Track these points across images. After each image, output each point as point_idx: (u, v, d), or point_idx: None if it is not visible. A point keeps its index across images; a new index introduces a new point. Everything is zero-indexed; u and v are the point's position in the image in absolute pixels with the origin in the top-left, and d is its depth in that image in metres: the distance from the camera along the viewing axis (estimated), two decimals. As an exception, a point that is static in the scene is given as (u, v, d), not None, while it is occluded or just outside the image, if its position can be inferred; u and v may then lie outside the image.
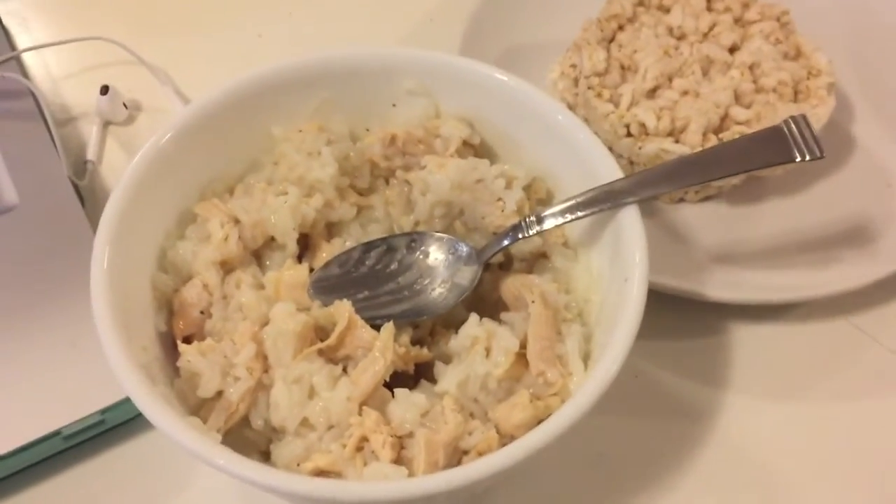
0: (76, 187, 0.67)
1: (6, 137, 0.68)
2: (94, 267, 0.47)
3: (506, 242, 0.52)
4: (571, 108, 0.69)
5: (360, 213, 0.57)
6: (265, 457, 0.48)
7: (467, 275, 0.52)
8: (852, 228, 0.65)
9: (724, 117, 0.64)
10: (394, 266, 0.53)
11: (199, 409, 0.49)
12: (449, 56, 0.57)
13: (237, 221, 0.53)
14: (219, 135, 0.55)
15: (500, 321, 0.52)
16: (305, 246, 0.56)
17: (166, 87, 0.75)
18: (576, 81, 0.69)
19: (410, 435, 0.46)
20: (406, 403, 0.47)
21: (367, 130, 0.58)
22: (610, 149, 0.64)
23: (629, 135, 0.64)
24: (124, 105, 0.74)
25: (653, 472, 0.57)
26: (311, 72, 0.57)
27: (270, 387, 0.48)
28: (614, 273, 0.50)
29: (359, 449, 0.46)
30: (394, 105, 0.58)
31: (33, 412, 0.54)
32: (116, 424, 0.56)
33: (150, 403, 0.43)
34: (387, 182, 0.58)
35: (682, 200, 0.67)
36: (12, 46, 0.77)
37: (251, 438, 0.49)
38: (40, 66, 0.78)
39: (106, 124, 0.74)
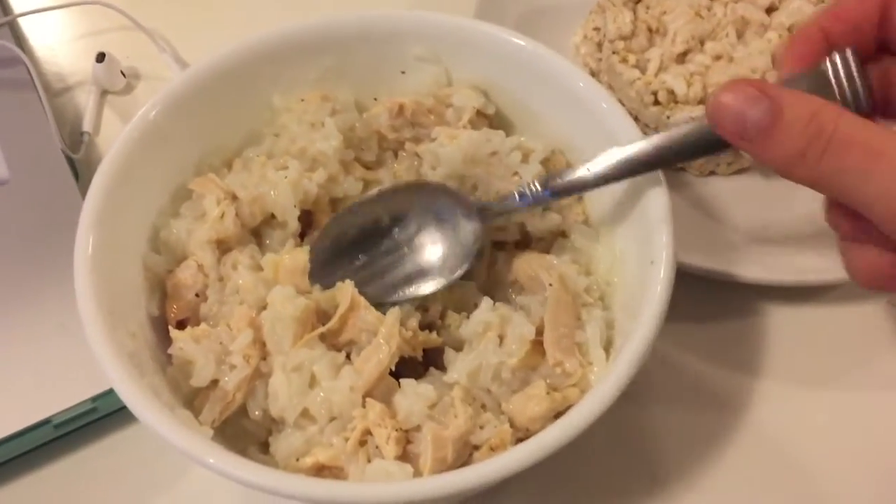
0: (70, 161, 0.63)
1: (-3, 108, 0.65)
2: (78, 252, 0.45)
3: (511, 204, 0.48)
4: (595, 74, 0.65)
5: (366, 187, 0.53)
6: (264, 448, 0.45)
7: (469, 232, 0.48)
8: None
9: (761, 83, 0.59)
10: (386, 220, 0.50)
11: (193, 398, 0.46)
12: (460, 19, 0.53)
13: (235, 198, 0.50)
14: (214, 106, 0.52)
15: (515, 305, 0.48)
16: (308, 223, 0.52)
17: (165, 54, 0.72)
18: (599, 46, 0.65)
19: (418, 429, 0.43)
20: (413, 395, 0.44)
21: (375, 100, 0.55)
22: (636, 118, 0.61)
23: (657, 103, 0.59)
24: (122, 73, 0.71)
25: (681, 463, 0.53)
26: (314, 37, 0.53)
27: (269, 375, 0.45)
28: (640, 253, 0.46)
29: (362, 443, 0.43)
30: (402, 72, 0.54)
31: (22, 399, 0.52)
32: (109, 412, 0.53)
33: (136, 395, 0.40)
34: (395, 155, 0.54)
35: (712, 173, 0.63)
36: (6, 11, 0.73)
37: (249, 429, 0.46)
38: (35, 32, 0.75)
39: (103, 93, 0.71)
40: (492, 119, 0.53)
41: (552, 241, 0.51)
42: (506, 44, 0.51)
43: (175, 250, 0.50)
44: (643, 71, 0.60)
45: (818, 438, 0.54)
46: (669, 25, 0.61)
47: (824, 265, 0.56)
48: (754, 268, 0.56)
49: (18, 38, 0.72)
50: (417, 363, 0.47)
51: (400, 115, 0.53)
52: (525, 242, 0.52)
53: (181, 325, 0.48)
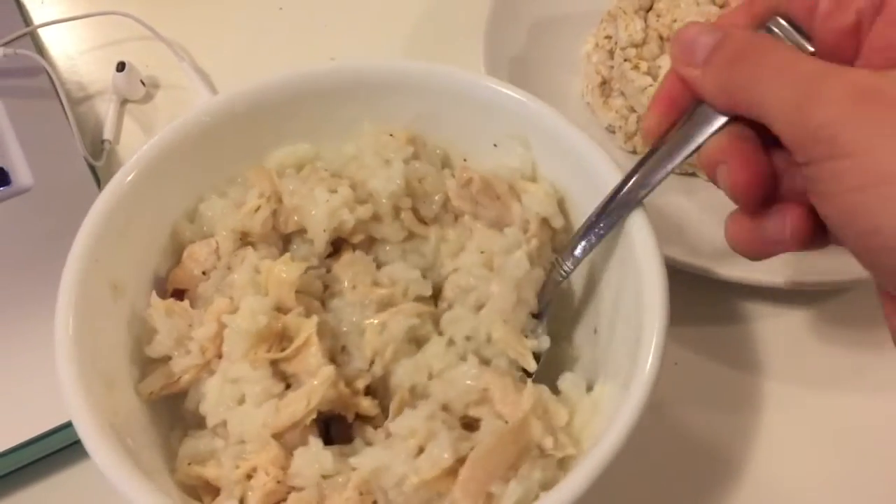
0: (92, 168, 0.65)
1: (21, 117, 0.66)
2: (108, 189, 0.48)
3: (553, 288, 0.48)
4: (606, 81, 0.66)
5: (409, 238, 0.52)
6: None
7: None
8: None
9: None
10: None
11: (149, 364, 0.47)
12: (558, 116, 0.50)
13: (280, 200, 0.50)
14: (307, 113, 0.53)
15: None
16: (339, 250, 0.52)
17: (184, 63, 0.73)
18: (611, 54, 0.65)
19: (300, 490, 0.43)
20: (312, 458, 0.43)
21: (465, 161, 0.53)
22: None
23: (668, 111, 0.60)
24: (142, 82, 0.72)
25: (691, 466, 0.54)
26: (412, 79, 0.52)
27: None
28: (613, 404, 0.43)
29: (248, 477, 0.43)
30: (495, 145, 0.52)
31: (42, 404, 0.52)
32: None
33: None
34: (455, 219, 0.53)
35: (724, 179, 0.64)
36: (27, 22, 0.74)
37: (184, 415, 0.47)
38: (56, 42, 0.76)
39: (123, 102, 0.72)
40: (556, 232, 0.51)
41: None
42: (587, 156, 0.48)
43: (205, 225, 0.51)
44: (655, 78, 0.61)
45: (825, 438, 0.55)
46: (680, 33, 0.62)
47: (837, 266, 0.57)
48: (766, 271, 0.57)
49: (39, 49, 0.74)
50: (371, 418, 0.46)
51: (466, 186, 0.51)
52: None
53: (177, 294, 0.50)
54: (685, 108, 0.41)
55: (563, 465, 0.43)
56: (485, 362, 0.47)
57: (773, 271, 0.57)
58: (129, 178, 0.48)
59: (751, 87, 0.37)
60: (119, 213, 0.47)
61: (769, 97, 0.36)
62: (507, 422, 0.43)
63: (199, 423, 0.46)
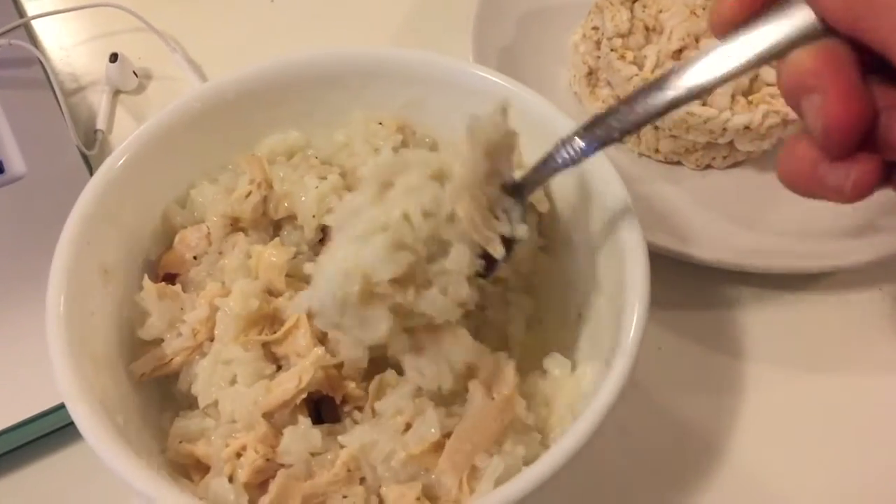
0: (85, 157, 0.65)
1: (14, 106, 0.67)
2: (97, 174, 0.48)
3: (551, 167, 0.42)
4: (593, 71, 0.67)
5: None
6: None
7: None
8: (886, 194, 0.62)
9: (755, 79, 0.61)
10: None
11: (140, 346, 0.48)
12: (544, 104, 0.50)
13: (270, 186, 0.51)
14: (298, 100, 0.53)
15: None
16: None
17: (176, 55, 0.74)
18: (598, 44, 0.66)
19: (290, 466, 0.43)
20: (299, 435, 0.44)
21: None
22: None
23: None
24: (134, 73, 0.73)
25: (675, 449, 0.55)
26: (405, 65, 0.53)
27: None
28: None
29: (238, 455, 0.43)
30: None
31: (37, 386, 0.53)
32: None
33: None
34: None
35: (709, 167, 0.65)
36: (21, 14, 0.75)
37: (175, 396, 0.48)
38: (49, 33, 0.77)
39: (116, 93, 0.73)
40: (543, 217, 0.51)
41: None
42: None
43: (196, 211, 0.52)
44: (640, 67, 0.62)
45: (809, 419, 0.56)
46: (666, 23, 0.63)
47: (822, 252, 0.58)
48: (750, 256, 0.57)
49: (33, 40, 0.74)
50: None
51: None
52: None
53: (169, 279, 0.50)
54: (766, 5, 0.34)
55: (546, 442, 0.44)
56: (442, 247, 0.42)
57: (758, 257, 0.58)
58: (120, 162, 0.49)
59: (879, 15, 0.31)
60: (110, 197, 0.48)
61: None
62: (493, 398, 0.44)
63: (191, 403, 0.47)
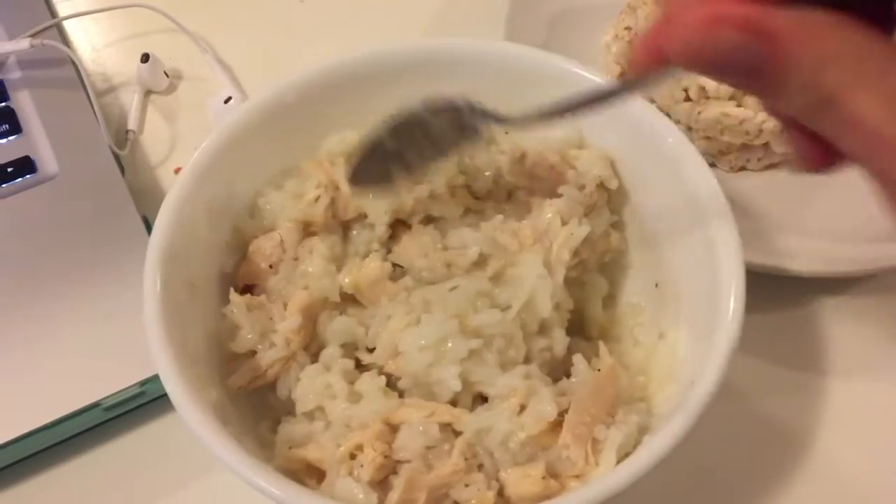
0: (117, 157, 0.65)
1: (47, 107, 0.67)
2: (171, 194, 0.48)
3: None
4: (625, 72, 0.66)
5: (466, 214, 0.52)
6: (275, 426, 0.47)
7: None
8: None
9: (791, 79, 0.60)
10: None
11: (231, 359, 0.48)
12: (605, 79, 0.51)
13: (337, 188, 0.51)
14: (355, 97, 0.54)
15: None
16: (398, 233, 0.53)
17: (207, 55, 0.74)
18: (630, 44, 0.66)
19: (408, 462, 0.43)
20: (415, 430, 0.44)
21: (507, 134, 0.54)
22: (667, 114, 0.62)
23: (688, 99, 0.60)
24: (165, 73, 0.73)
25: (761, 446, 0.55)
26: (455, 54, 0.54)
27: (306, 362, 0.47)
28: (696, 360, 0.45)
29: (352, 456, 0.43)
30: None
31: (73, 383, 0.53)
32: (157, 396, 0.55)
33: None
34: (509, 196, 0.53)
35: (743, 169, 0.64)
36: (53, 14, 0.75)
37: (272, 404, 0.48)
38: (81, 34, 0.77)
39: (147, 93, 0.73)
40: (612, 193, 0.52)
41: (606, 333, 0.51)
42: (639, 117, 0.50)
43: (266, 220, 0.52)
44: (675, 67, 0.61)
45: (861, 428, 0.55)
46: (700, 23, 0.62)
47: (862, 254, 0.57)
48: (795, 259, 0.57)
49: (65, 40, 0.74)
50: None
51: (520, 162, 0.52)
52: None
53: (247, 290, 0.50)
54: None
55: (651, 410, 0.46)
56: None
57: (801, 260, 0.57)
58: (190, 178, 0.49)
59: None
60: (185, 211, 0.48)
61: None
62: (598, 370, 0.46)
63: (289, 410, 0.47)
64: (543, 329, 0.47)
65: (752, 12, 0.28)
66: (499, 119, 0.44)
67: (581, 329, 0.52)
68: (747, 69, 0.28)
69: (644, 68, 0.32)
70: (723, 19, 0.28)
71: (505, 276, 0.48)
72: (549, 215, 0.50)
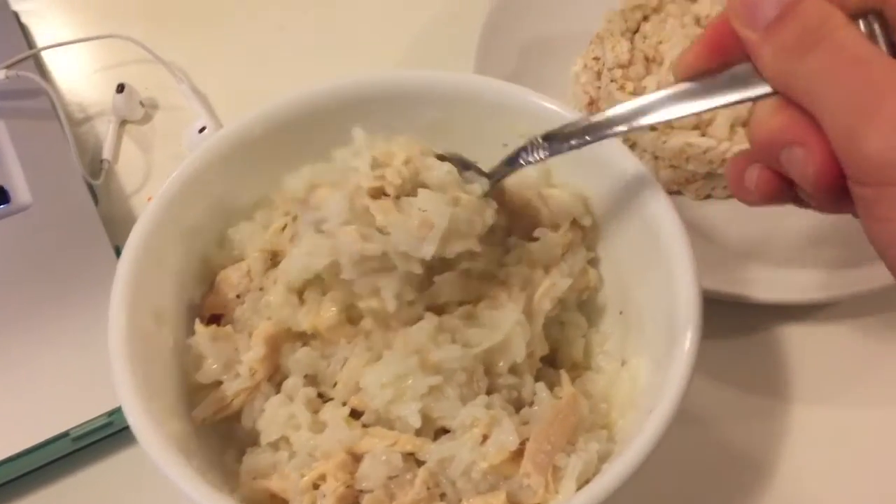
0: (91, 187, 0.66)
1: (21, 137, 0.68)
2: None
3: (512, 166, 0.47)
4: (594, 101, 0.67)
5: None
6: (241, 456, 0.47)
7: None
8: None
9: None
10: None
11: (197, 390, 0.48)
12: (569, 110, 0.52)
13: None
14: (327, 128, 0.53)
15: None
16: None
17: (183, 85, 0.75)
18: (598, 75, 0.67)
19: (370, 492, 0.44)
20: (377, 461, 0.44)
21: (476, 162, 0.53)
22: (634, 144, 0.63)
23: (653, 128, 0.61)
24: (141, 103, 0.74)
25: (722, 471, 0.55)
26: (424, 87, 0.54)
27: (271, 393, 0.47)
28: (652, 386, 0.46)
29: (315, 486, 0.44)
30: (504, 144, 0.53)
31: (42, 413, 0.54)
32: (125, 427, 0.54)
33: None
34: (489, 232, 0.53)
35: (709, 197, 0.65)
36: (30, 45, 0.76)
37: (237, 435, 0.48)
38: (58, 64, 0.78)
39: (122, 123, 0.73)
40: (586, 231, 0.52)
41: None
42: (606, 154, 0.50)
43: (235, 250, 0.52)
44: (640, 98, 0.62)
45: (824, 454, 0.56)
46: (665, 54, 0.64)
47: (825, 281, 0.58)
48: (756, 287, 0.57)
49: (42, 71, 0.75)
50: None
51: (499, 198, 0.51)
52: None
53: (214, 320, 0.51)
54: (733, 58, 0.37)
55: (613, 438, 0.46)
56: None
57: (762, 288, 0.57)
58: (160, 207, 0.49)
59: (810, 79, 0.33)
60: (154, 242, 0.48)
61: (826, 101, 0.33)
62: (559, 398, 0.46)
63: (254, 441, 0.47)
64: (514, 371, 0.48)
65: None
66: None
67: (552, 360, 0.52)
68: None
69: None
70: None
71: (481, 317, 0.49)
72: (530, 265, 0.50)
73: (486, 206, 0.47)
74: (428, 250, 0.44)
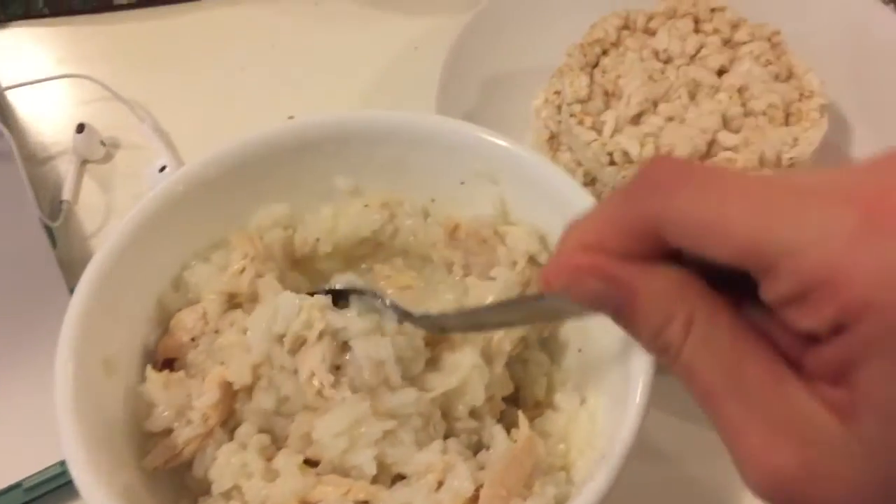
0: (49, 229, 0.65)
1: (-23, 180, 0.67)
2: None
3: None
4: (555, 136, 0.67)
5: (404, 290, 0.53)
6: None
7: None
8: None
9: (712, 143, 0.61)
10: None
11: (148, 439, 0.47)
12: (525, 150, 0.52)
13: (266, 260, 0.51)
14: (285, 169, 0.54)
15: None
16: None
17: (145, 124, 0.74)
18: (559, 109, 0.67)
19: None
20: None
21: (433, 201, 0.55)
22: (594, 179, 0.63)
23: (612, 163, 0.61)
24: (102, 142, 0.73)
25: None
26: (383, 127, 0.54)
27: (223, 440, 0.46)
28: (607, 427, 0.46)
29: None
30: (462, 183, 0.54)
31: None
32: (79, 476, 0.54)
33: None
34: (449, 271, 0.54)
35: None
36: (-9, 85, 0.76)
37: (189, 484, 0.47)
38: (19, 104, 0.77)
39: (83, 163, 0.73)
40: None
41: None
42: (560, 191, 0.50)
43: (191, 292, 0.52)
44: (599, 132, 0.62)
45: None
46: (624, 88, 0.64)
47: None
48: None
49: (3, 111, 0.75)
50: None
51: (454, 235, 0.52)
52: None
53: (168, 364, 0.50)
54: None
55: (571, 479, 0.46)
56: None
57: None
58: (111, 253, 0.48)
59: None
60: (105, 289, 0.47)
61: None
62: (515, 441, 0.45)
63: (206, 489, 0.46)
64: (474, 415, 0.47)
65: (606, 264, 0.31)
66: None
67: (516, 398, 0.52)
68: (613, 310, 0.32)
69: (547, 289, 0.35)
70: (583, 269, 0.32)
71: (440, 360, 0.48)
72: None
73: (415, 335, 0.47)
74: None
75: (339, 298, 0.48)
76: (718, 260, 0.28)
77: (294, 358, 0.46)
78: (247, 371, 0.47)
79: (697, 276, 0.30)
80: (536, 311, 0.42)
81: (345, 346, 0.46)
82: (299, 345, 0.46)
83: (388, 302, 0.47)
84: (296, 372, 0.46)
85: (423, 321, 0.47)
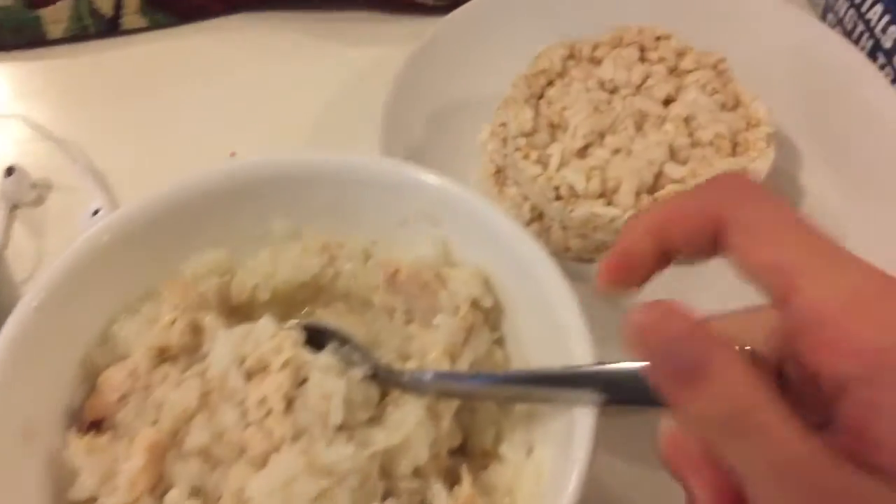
0: (-25, 278, 0.62)
1: None
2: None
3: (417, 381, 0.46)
4: (501, 170, 0.66)
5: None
6: None
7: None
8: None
9: (659, 175, 0.60)
10: None
11: None
12: (469, 194, 0.51)
13: (199, 310, 0.49)
14: (220, 213, 0.52)
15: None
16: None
17: (78, 164, 0.71)
18: (505, 142, 0.65)
19: None
20: None
21: (374, 243, 0.53)
22: (541, 213, 0.62)
23: (559, 198, 0.60)
24: (33, 185, 0.70)
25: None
26: (320, 170, 0.52)
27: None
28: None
29: None
30: (404, 224, 0.52)
31: None
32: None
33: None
34: (390, 317, 0.52)
35: (621, 263, 0.63)
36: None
37: None
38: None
39: (13, 207, 0.70)
40: (488, 311, 0.50)
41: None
42: (502, 231, 0.49)
43: (119, 347, 0.49)
44: (545, 166, 0.61)
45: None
46: (570, 120, 0.62)
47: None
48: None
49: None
50: None
51: (393, 280, 0.51)
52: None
53: (95, 425, 0.47)
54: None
55: None
56: None
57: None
58: (31, 309, 0.46)
59: (739, 460, 0.30)
60: (24, 350, 0.45)
61: (758, 489, 0.30)
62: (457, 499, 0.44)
63: None
64: (418, 473, 0.45)
65: (697, 327, 0.32)
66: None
67: (464, 448, 0.50)
68: (678, 365, 0.31)
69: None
70: (675, 315, 0.32)
71: (384, 415, 0.46)
72: (433, 355, 0.48)
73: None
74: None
75: (316, 343, 0.47)
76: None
77: (247, 385, 0.45)
78: (194, 398, 0.45)
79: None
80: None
81: (303, 383, 0.45)
82: (258, 370, 0.45)
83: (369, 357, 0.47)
84: (241, 403, 0.44)
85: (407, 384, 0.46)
